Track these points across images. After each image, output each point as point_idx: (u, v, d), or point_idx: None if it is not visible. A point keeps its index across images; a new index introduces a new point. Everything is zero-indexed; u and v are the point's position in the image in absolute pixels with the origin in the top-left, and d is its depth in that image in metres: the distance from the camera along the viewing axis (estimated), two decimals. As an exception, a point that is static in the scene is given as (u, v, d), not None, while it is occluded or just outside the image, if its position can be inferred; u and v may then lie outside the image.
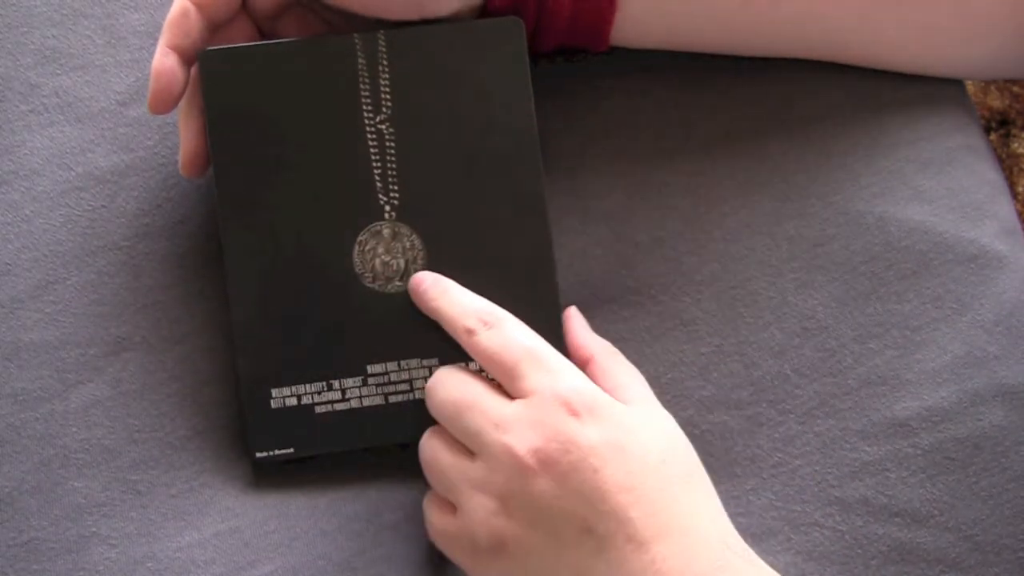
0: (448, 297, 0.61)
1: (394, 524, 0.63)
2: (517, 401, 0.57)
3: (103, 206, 0.66)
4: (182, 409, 0.64)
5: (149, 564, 0.61)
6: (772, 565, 0.60)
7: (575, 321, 0.64)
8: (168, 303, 0.65)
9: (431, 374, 0.61)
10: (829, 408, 0.64)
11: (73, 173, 0.66)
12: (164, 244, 0.65)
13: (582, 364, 0.61)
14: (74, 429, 0.63)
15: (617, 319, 0.65)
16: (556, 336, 0.62)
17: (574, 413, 0.56)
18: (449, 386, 0.59)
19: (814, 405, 0.64)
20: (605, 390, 0.60)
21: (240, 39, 0.63)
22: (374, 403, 0.62)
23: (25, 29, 0.68)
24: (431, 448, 0.59)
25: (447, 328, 0.60)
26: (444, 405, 0.59)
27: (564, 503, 0.55)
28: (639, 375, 0.62)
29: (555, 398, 0.56)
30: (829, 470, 0.63)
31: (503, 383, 0.58)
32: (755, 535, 0.62)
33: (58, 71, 0.68)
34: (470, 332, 0.59)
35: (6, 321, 0.64)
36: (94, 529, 0.61)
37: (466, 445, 0.58)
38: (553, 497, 0.55)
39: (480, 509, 0.57)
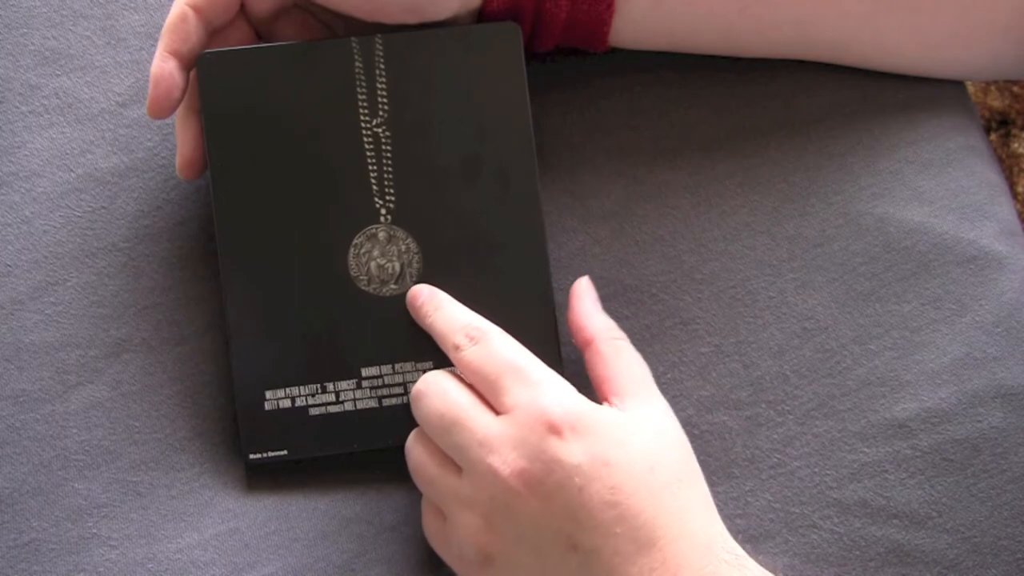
0: (441, 312, 0.61)
1: (394, 526, 0.63)
2: (501, 418, 0.57)
3: (103, 207, 0.66)
4: (182, 410, 0.64)
5: (149, 565, 0.61)
6: (770, 567, 0.60)
7: (580, 299, 0.62)
8: (168, 305, 0.65)
9: None
10: (828, 409, 0.64)
11: (73, 174, 0.66)
12: (164, 246, 0.66)
13: (581, 347, 0.61)
14: (74, 430, 0.63)
15: (617, 317, 0.64)
16: (551, 338, 0.62)
17: (556, 431, 0.55)
18: (434, 397, 0.58)
19: (813, 406, 0.64)
20: (600, 379, 0.60)
21: (238, 42, 0.63)
22: (368, 406, 0.62)
23: (25, 30, 0.68)
24: (417, 456, 0.59)
25: (439, 343, 0.61)
26: (430, 417, 0.58)
27: (550, 521, 0.55)
28: (639, 362, 0.61)
29: (537, 415, 0.56)
30: (828, 471, 0.63)
31: (487, 397, 0.58)
32: (753, 537, 0.62)
33: (58, 72, 0.68)
34: (457, 347, 0.59)
35: (6, 322, 0.64)
36: (94, 530, 0.62)
37: (452, 458, 0.58)
38: (539, 516, 0.55)
39: (467, 525, 0.57)
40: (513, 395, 0.57)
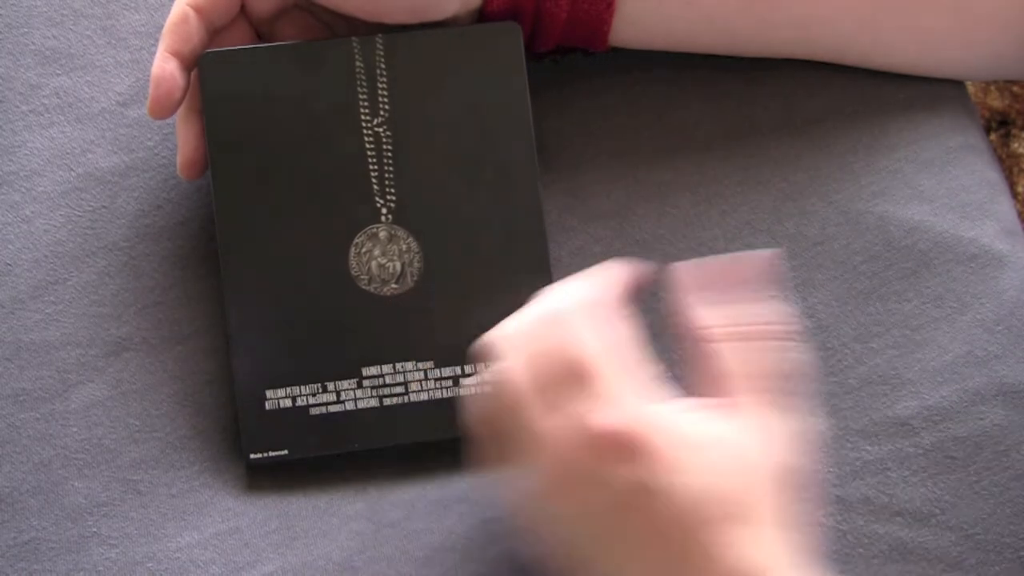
0: None
1: (394, 523, 0.63)
2: (549, 424, 0.52)
3: (103, 207, 0.66)
4: (182, 409, 0.64)
5: (149, 564, 0.61)
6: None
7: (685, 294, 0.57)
8: (169, 304, 0.65)
9: (426, 377, 0.62)
10: (830, 407, 0.64)
11: (73, 174, 0.66)
12: (165, 245, 0.66)
13: (700, 340, 0.56)
14: (74, 429, 0.63)
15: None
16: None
17: (600, 456, 0.51)
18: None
19: (814, 405, 0.64)
20: (709, 377, 0.55)
21: (239, 42, 0.63)
22: (369, 405, 0.62)
23: (25, 29, 0.68)
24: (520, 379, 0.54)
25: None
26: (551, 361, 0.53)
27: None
28: (765, 364, 0.55)
29: (584, 435, 0.52)
30: (830, 469, 0.63)
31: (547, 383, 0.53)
32: (754, 535, 0.62)
33: (58, 71, 0.68)
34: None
35: (7, 321, 0.64)
36: (94, 529, 0.62)
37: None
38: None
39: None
40: (568, 402, 0.53)
